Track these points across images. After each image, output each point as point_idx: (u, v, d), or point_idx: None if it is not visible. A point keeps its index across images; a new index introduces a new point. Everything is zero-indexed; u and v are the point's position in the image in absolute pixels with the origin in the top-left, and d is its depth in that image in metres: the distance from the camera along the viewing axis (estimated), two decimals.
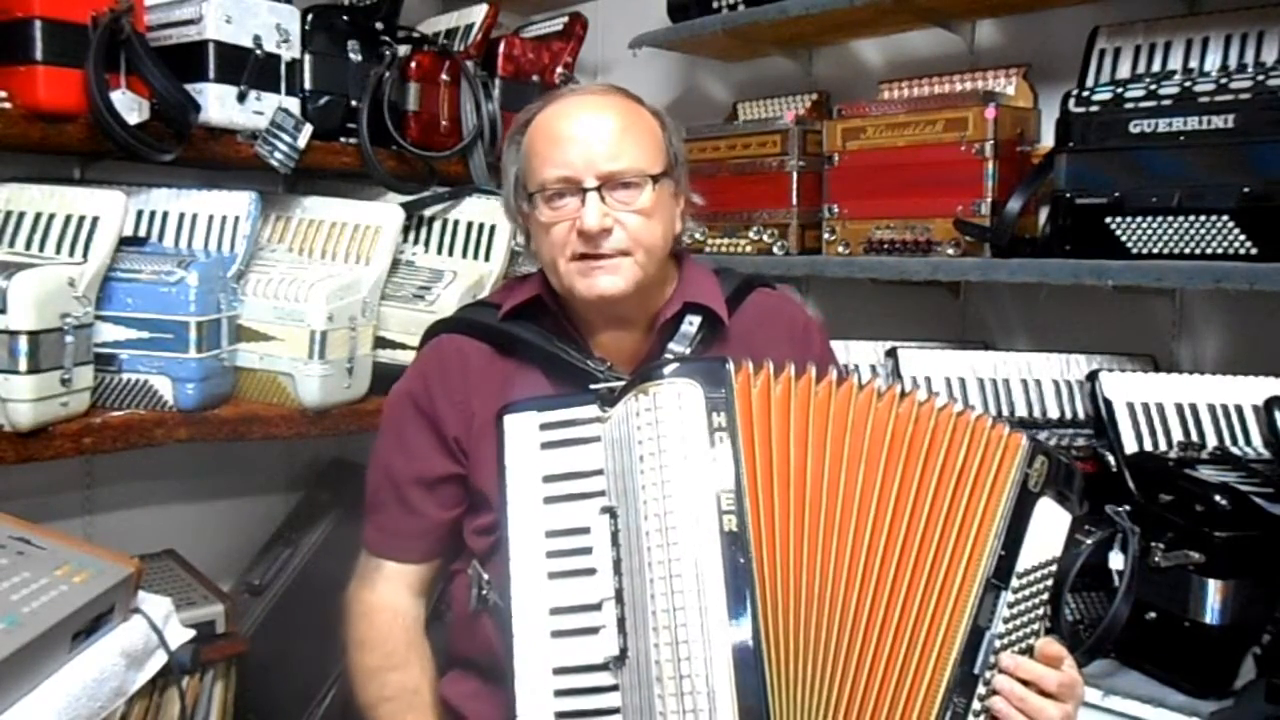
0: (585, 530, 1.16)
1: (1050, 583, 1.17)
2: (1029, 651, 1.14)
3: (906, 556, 1.11)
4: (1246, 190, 1.53)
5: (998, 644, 1.12)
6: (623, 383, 1.19)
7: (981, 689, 1.11)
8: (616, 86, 1.37)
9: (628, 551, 1.12)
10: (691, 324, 1.35)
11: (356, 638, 1.38)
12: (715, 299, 1.38)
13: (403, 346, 2.06)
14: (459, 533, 1.38)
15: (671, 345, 1.34)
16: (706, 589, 1.06)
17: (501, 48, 2.32)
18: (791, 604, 1.09)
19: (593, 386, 1.22)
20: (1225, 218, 1.55)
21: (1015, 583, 1.13)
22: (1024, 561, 1.14)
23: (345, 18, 2.12)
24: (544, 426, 1.22)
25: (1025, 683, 1.12)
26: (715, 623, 1.06)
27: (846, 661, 1.10)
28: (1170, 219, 1.60)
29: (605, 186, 1.27)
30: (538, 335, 1.35)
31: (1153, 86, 1.63)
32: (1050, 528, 1.16)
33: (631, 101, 1.35)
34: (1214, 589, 1.40)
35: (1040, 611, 1.16)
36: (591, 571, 1.15)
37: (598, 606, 1.13)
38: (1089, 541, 1.43)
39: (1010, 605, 1.12)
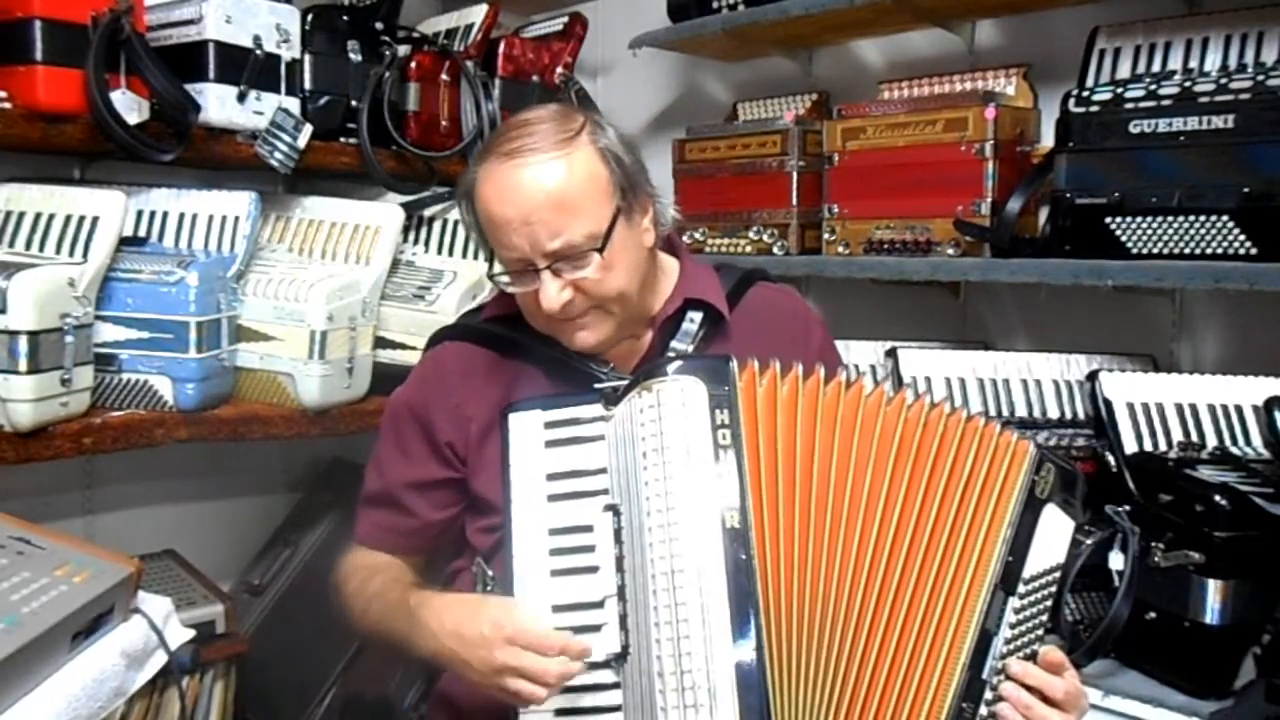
0: (588, 528, 1.17)
1: (1054, 589, 1.17)
2: (1033, 657, 1.14)
3: (913, 560, 1.12)
4: (1246, 190, 1.53)
5: (1004, 649, 1.12)
6: (626, 382, 1.19)
7: (988, 694, 1.11)
8: (543, 130, 1.25)
9: (630, 549, 1.13)
10: (693, 321, 1.36)
11: (340, 582, 1.40)
12: (716, 295, 1.38)
13: (403, 346, 2.06)
14: (455, 532, 1.39)
15: (674, 343, 1.34)
16: (708, 585, 1.07)
17: (501, 48, 2.32)
18: (795, 602, 1.09)
19: (597, 386, 1.22)
20: (1225, 218, 1.55)
21: (1021, 589, 1.13)
22: (1030, 568, 1.14)
23: (345, 18, 2.12)
24: (549, 425, 1.22)
25: (1031, 689, 1.12)
26: (717, 619, 1.06)
27: (850, 663, 1.10)
28: (1170, 219, 1.60)
29: (556, 261, 1.24)
30: (539, 338, 1.35)
31: (1153, 86, 1.63)
32: (1055, 534, 1.17)
33: (558, 149, 1.23)
34: (1214, 589, 1.40)
35: (1044, 618, 1.16)
36: (594, 569, 1.15)
37: (600, 604, 1.14)
38: (1089, 541, 1.42)
39: (1016, 611, 1.13)
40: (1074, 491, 1.18)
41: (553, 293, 1.24)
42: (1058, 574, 1.17)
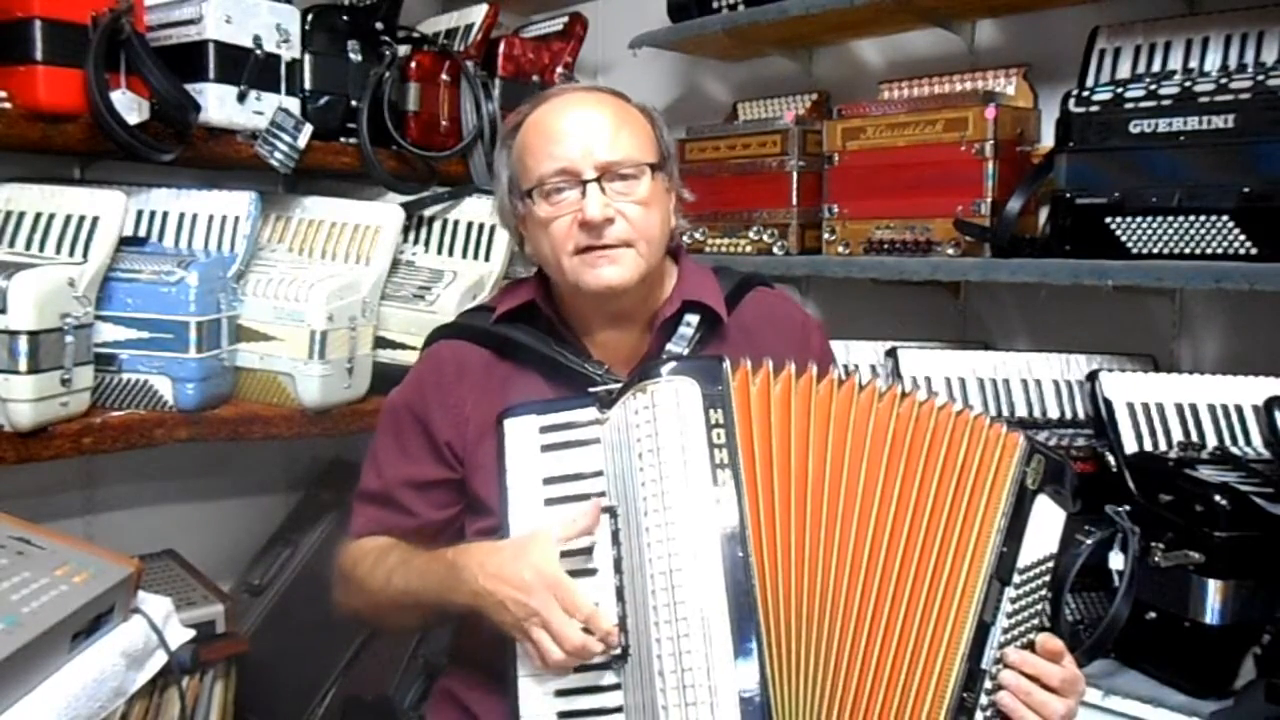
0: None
1: (1048, 578, 1.18)
2: (1030, 647, 1.15)
3: (910, 555, 1.12)
4: (1246, 190, 1.53)
5: (1002, 639, 1.13)
6: (621, 384, 1.19)
7: (988, 684, 1.12)
8: (602, 86, 1.38)
9: (628, 550, 1.13)
10: (690, 323, 1.35)
11: (349, 568, 1.37)
12: (714, 297, 1.38)
13: (403, 346, 2.07)
14: (453, 533, 1.39)
15: (670, 345, 1.34)
16: (706, 585, 1.07)
17: (501, 48, 2.32)
18: (793, 600, 1.10)
19: (591, 389, 1.22)
20: (1225, 218, 1.55)
21: (1017, 579, 1.14)
22: (1024, 558, 1.15)
23: (345, 18, 2.12)
24: (544, 429, 1.22)
25: (1030, 678, 1.13)
26: (716, 618, 1.06)
27: (851, 658, 1.10)
28: (1170, 219, 1.60)
29: (604, 178, 1.27)
30: (536, 339, 1.35)
31: (1153, 86, 1.63)
32: (1048, 524, 1.17)
33: (619, 98, 1.36)
34: (1214, 589, 1.40)
35: (1039, 607, 1.17)
36: (593, 572, 1.15)
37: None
38: (1089, 541, 1.43)
39: (1012, 601, 1.14)
40: (1063, 481, 1.19)
41: (597, 203, 1.25)
42: (1051, 563, 1.18)
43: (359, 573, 1.36)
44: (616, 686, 1.13)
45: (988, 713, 1.12)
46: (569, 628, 1.10)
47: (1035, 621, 1.16)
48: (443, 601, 1.24)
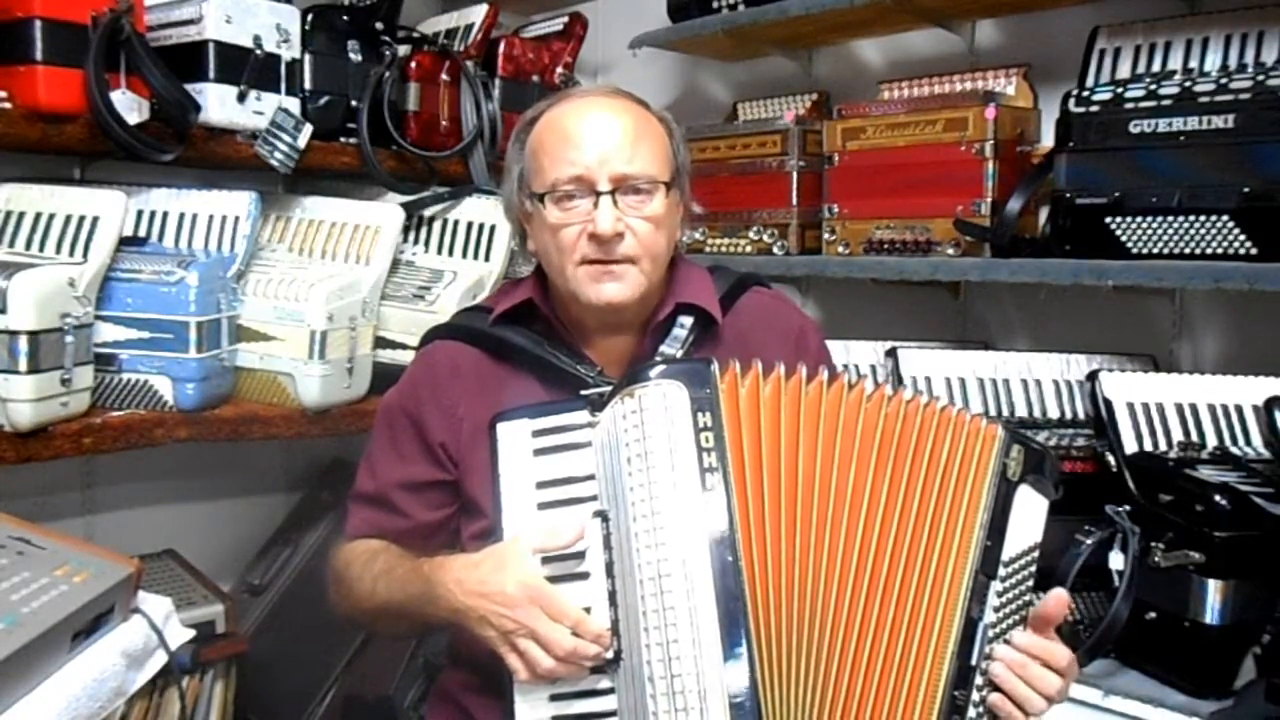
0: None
1: (1034, 568, 1.18)
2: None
3: (897, 556, 1.12)
4: (1246, 190, 1.53)
5: (990, 634, 1.13)
6: (611, 388, 1.19)
7: (978, 679, 1.12)
8: (624, 91, 1.36)
9: (620, 554, 1.12)
10: (683, 326, 1.35)
11: (341, 569, 1.37)
12: (709, 299, 1.37)
13: (403, 346, 2.07)
14: (448, 535, 1.39)
15: (663, 348, 1.33)
16: (695, 589, 1.07)
17: (501, 48, 2.32)
18: (783, 603, 1.09)
19: (584, 392, 1.22)
20: (1225, 218, 1.55)
21: (1002, 571, 1.14)
22: (1009, 550, 1.15)
23: (345, 18, 2.12)
24: (536, 433, 1.22)
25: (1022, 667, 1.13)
26: (705, 622, 1.06)
27: (841, 661, 1.10)
28: (1170, 219, 1.60)
29: (618, 190, 1.26)
30: (530, 341, 1.35)
31: (1153, 86, 1.63)
32: (1030, 514, 1.17)
33: (641, 106, 1.34)
34: (1214, 589, 1.40)
35: (1027, 598, 1.17)
36: (585, 575, 1.15)
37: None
38: (1089, 541, 1.43)
39: (999, 594, 1.14)
40: (1044, 470, 1.19)
41: (609, 216, 1.25)
42: (1035, 553, 1.18)
43: (349, 575, 1.36)
44: (612, 690, 1.13)
45: (979, 709, 1.12)
46: (557, 633, 1.10)
47: (1024, 612, 1.16)
48: (423, 615, 1.24)
